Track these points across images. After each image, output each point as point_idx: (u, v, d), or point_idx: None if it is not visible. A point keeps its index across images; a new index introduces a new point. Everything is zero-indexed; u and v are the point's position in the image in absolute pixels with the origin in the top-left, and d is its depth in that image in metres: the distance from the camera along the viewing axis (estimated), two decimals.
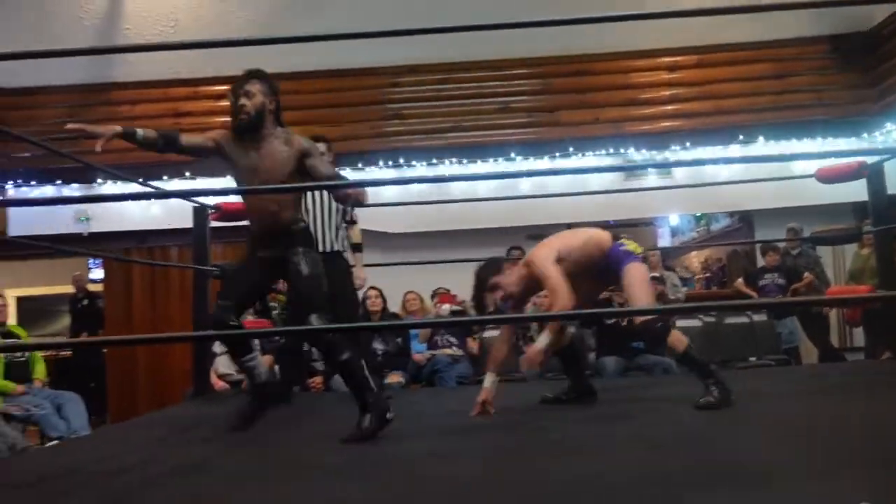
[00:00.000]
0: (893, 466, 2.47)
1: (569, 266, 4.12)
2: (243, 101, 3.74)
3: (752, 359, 7.07)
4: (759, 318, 7.40)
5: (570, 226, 8.96)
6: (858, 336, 8.41)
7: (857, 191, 5.78)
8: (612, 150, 8.50)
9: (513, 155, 8.58)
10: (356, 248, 5.51)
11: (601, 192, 7.48)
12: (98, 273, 11.22)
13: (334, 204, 5.26)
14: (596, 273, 4.28)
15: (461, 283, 7.78)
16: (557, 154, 8.53)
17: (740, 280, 8.36)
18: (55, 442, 6.14)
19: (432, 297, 7.76)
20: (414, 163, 8.55)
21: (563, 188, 7.90)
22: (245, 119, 3.71)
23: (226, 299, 3.74)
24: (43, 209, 8.62)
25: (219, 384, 6.19)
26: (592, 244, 4.23)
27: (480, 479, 2.68)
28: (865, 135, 8.47)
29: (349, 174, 8.28)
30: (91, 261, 11.81)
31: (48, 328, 12.82)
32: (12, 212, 8.79)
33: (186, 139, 3.76)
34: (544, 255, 4.16)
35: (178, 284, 8.92)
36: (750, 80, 8.70)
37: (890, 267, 5.62)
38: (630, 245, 4.18)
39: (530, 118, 8.78)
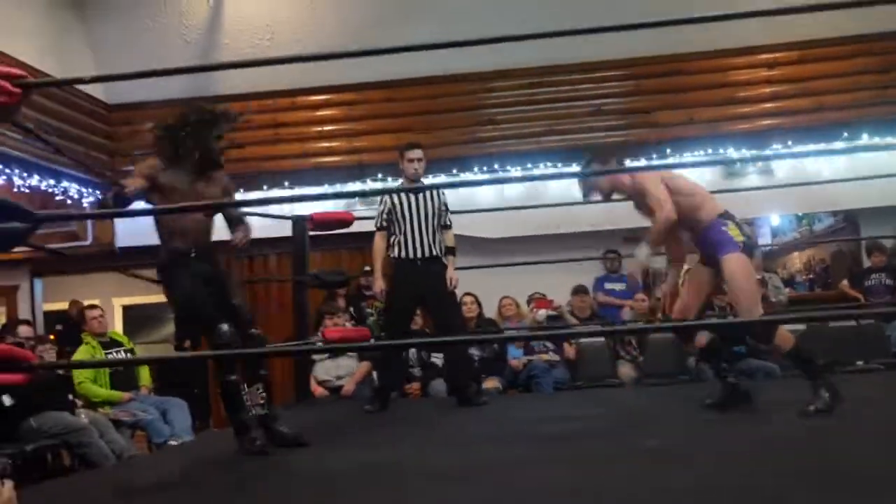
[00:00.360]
0: None
1: None
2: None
3: (860, 363, 6.87)
4: (867, 320, 7.18)
5: None
6: None
7: None
8: (709, 151, 8.38)
9: None
10: (449, 251, 5.57)
11: None
12: None
13: (432, 210, 5.34)
14: (686, 240, 4.21)
15: (557, 287, 7.83)
16: (654, 155, 8.45)
17: (845, 281, 8.13)
18: (162, 448, 6.34)
19: (528, 302, 7.77)
20: (508, 167, 8.58)
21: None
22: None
23: (220, 321, 3.87)
24: (147, 220, 8.91)
25: (318, 390, 6.32)
26: (697, 201, 4.11)
27: (571, 486, 2.69)
28: None
29: (443, 180, 8.39)
30: None
31: (153, 335, 13.22)
32: (119, 224, 9.12)
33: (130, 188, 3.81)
34: (650, 175, 4.09)
35: (277, 293, 9.09)
36: (853, 75, 8.48)
37: None
38: (732, 230, 4.01)
39: (624, 120, 8.72)
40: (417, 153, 5.40)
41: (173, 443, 6.24)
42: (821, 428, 3.45)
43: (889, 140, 8.14)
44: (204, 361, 9.50)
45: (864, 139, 8.20)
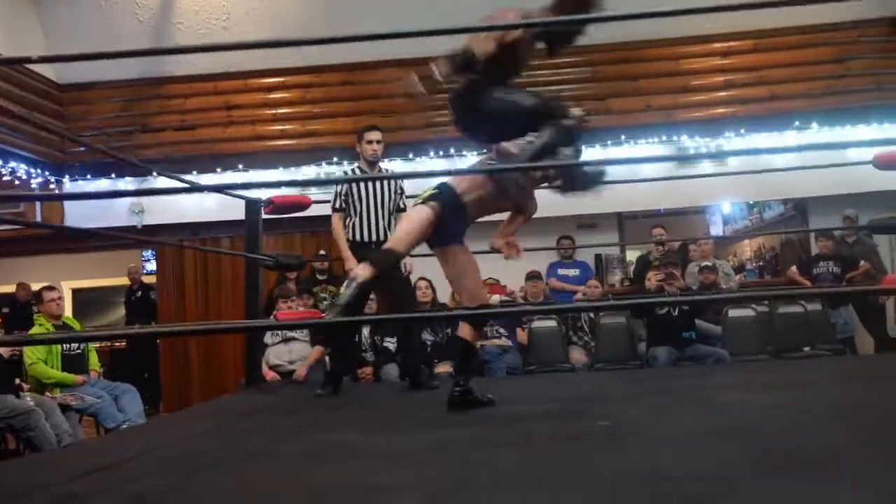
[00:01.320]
0: None
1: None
2: None
3: (806, 348, 7.06)
4: (814, 307, 7.36)
5: (620, 215, 9.11)
6: None
7: None
8: (664, 138, 8.52)
9: None
10: None
11: (653, 179, 7.48)
12: (152, 265, 11.52)
13: (388, 193, 5.41)
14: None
15: (511, 273, 7.94)
16: (609, 142, 8.57)
17: (794, 268, 8.33)
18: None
19: None
20: (465, 153, 8.65)
21: (613, 176, 7.96)
22: None
23: None
24: (98, 202, 8.89)
25: (270, 374, 6.36)
26: None
27: (525, 466, 2.77)
28: None
29: (400, 165, 8.45)
30: (144, 253, 12.11)
31: (103, 319, 13.18)
32: (68, 205, 9.07)
33: None
34: None
35: (230, 276, 9.13)
36: (806, 64, 8.67)
37: None
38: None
39: (581, 106, 8.80)
40: (376, 135, 5.46)
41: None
42: (768, 412, 3.56)
43: (839, 130, 8.35)
44: (155, 346, 9.54)
45: (815, 128, 8.39)
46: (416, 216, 3.97)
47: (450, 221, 4.03)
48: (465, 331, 4.17)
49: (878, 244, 8.43)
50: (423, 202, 3.97)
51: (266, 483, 2.75)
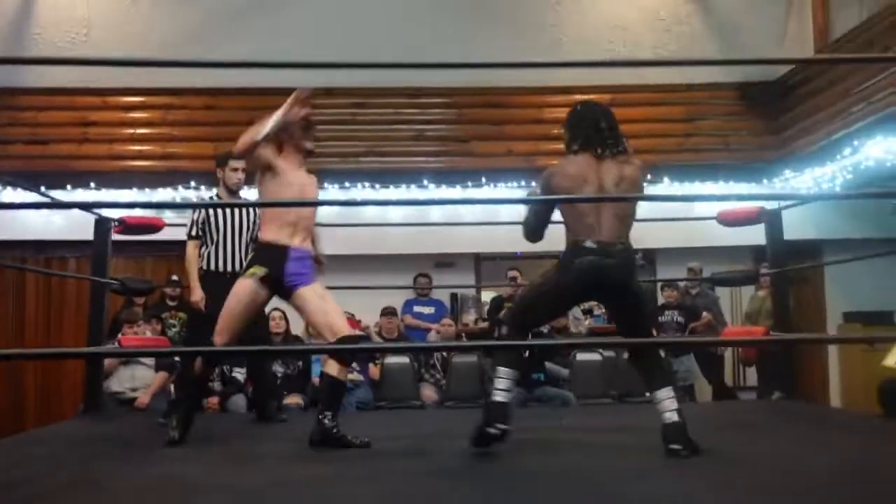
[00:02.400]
0: (773, 496, 2.68)
1: None
2: None
3: (648, 394, 7.29)
4: None
5: (477, 256, 9.25)
6: (752, 375, 8.78)
7: (755, 235, 6.07)
8: (523, 183, 8.71)
9: (425, 182, 8.74)
10: None
11: (511, 223, 7.62)
12: None
13: (246, 223, 5.32)
14: None
15: (366, 308, 7.95)
16: (469, 183, 8.71)
17: None
18: None
19: None
20: (326, 185, 8.61)
21: (473, 218, 8.10)
22: None
23: None
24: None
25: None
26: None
27: (374, 502, 2.78)
28: (765, 181, 8.89)
29: (254, 193, 8.34)
30: None
31: None
32: None
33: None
34: None
35: (75, 298, 8.81)
36: (660, 121, 9.05)
37: (785, 309, 5.93)
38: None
39: (444, 147, 8.96)
40: (241, 163, 5.34)
41: None
42: (605, 455, 3.67)
43: (688, 185, 8.74)
44: None
45: (666, 182, 8.76)
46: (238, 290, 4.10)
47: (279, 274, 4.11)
48: (331, 367, 4.07)
49: (720, 296, 8.83)
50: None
51: None
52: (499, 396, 3.66)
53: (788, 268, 6.09)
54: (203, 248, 5.29)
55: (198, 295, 5.17)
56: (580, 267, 3.68)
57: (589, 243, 3.69)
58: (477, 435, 3.64)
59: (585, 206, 3.77)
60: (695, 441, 3.53)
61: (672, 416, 3.56)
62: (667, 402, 3.59)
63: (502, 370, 3.70)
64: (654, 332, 8.18)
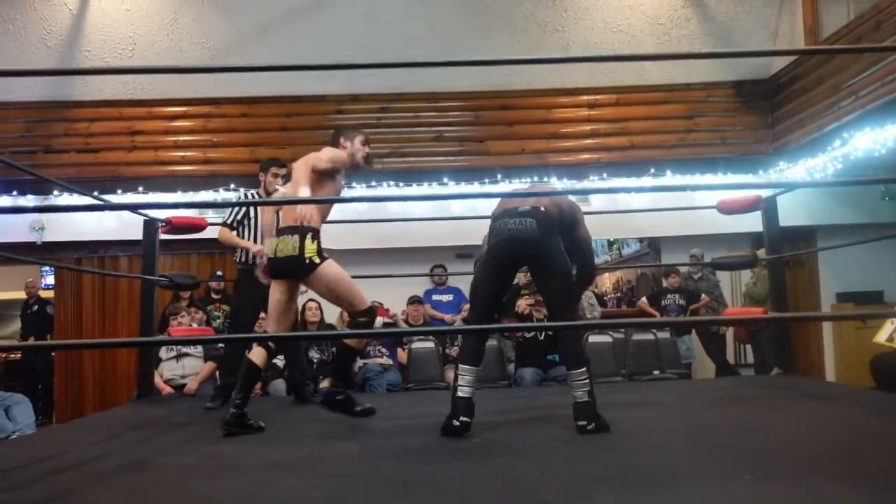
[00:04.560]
0: (775, 469, 2.66)
1: None
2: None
3: (656, 372, 7.28)
4: (663, 335, 7.61)
5: None
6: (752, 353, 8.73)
7: (753, 222, 6.03)
8: (536, 179, 8.68)
9: (445, 180, 8.73)
10: None
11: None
12: (51, 280, 11.07)
13: (278, 222, 5.33)
14: None
15: (393, 297, 7.97)
16: (487, 180, 8.69)
17: (643, 300, 8.64)
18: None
19: None
20: (354, 184, 8.64)
21: (490, 212, 8.06)
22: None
23: None
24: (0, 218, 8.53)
25: (165, 388, 6.19)
26: None
27: (400, 478, 2.78)
28: (761, 172, 8.82)
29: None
30: (44, 268, 11.64)
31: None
32: None
33: None
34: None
35: (127, 293, 8.88)
36: (662, 119, 8.99)
37: (782, 291, 5.89)
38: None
39: (462, 147, 8.95)
40: (284, 170, 5.38)
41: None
42: (619, 429, 3.66)
43: (689, 177, 8.68)
44: (50, 359, 9.15)
45: (669, 175, 8.71)
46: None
47: None
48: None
49: (720, 280, 8.79)
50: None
51: (150, 493, 2.68)
52: (461, 392, 3.73)
53: (785, 253, 6.05)
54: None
55: (256, 247, 5.15)
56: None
57: None
58: (444, 426, 3.69)
59: None
60: (604, 418, 3.64)
61: (583, 396, 3.67)
62: (578, 382, 3.69)
63: (463, 367, 3.78)
64: (657, 314, 8.20)
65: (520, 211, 3.84)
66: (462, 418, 3.65)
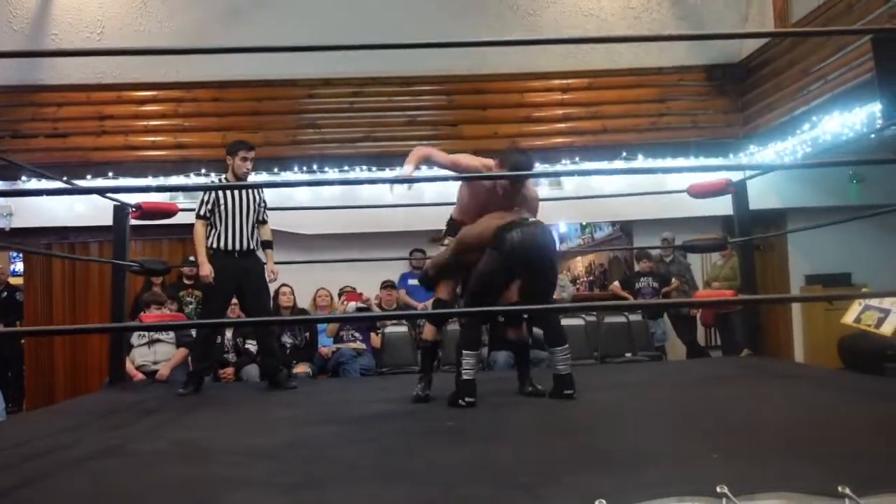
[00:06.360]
0: (744, 448, 2.70)
1: None
2: None
3: (628, 354, 7.33)
4: (635, 318, 7.67)
5: None
6: None
7: (724, 205, 6.07)
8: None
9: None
10: (267, 244, 5.54)
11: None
12: (20, 266, 10.94)
13: (253, 206, 5.30)
14: None
15: (367, 282, 7.97)
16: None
17: (616, 283, 8.69)
18: None
19: (339, 295, 7.84)
20: (326, 169, 8.61)
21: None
22: None
23: None
24: None
25: (137, 375, 6.15)
26: None
27: (375, 461, 2.79)
28: (732, 155, 8.88)
29: (265, 178, 8.32)
30: (13, 255, 11.51)
31: None
32: None
33: None
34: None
35: (98, 279, 8.81)
36: (634, 103, 9.04)
37: (752, 273, 5.94)
38: None
39: (435, 131, 8.93)
40: (252, 153, 5.33)
41: None
42: (592, 410, 3.71)
43: (661, 161, 8.72)
44: (19, 347, 9.05)
45: (640, 159, 8.75)
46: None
47: None
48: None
49: (691, 263, 8.86)
50: None
51: (122, 479, 2.66)
52: (466, 375, 4.05)
53: (754, 236, 6.11)
54: (211, 229, 5.26)
55: (206, 270, 5.16)
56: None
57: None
58: (451, 402, 4.05)
59: None
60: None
61: (566, 369, 4.14)
62: (562, 357, 4.16)
63: (466, 353, 4.09)
64: (629, 297, 8.26)
65: (531, 221, 4.19)
66: (468, 398, 3.99)
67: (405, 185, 4.27)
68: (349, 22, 8.21)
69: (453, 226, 4.60)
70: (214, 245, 5.23)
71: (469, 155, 4.56)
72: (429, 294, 8.22)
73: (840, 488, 2.03)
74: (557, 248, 4.46)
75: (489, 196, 4.34)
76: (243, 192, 5.29)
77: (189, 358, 5.92)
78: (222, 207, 5.23)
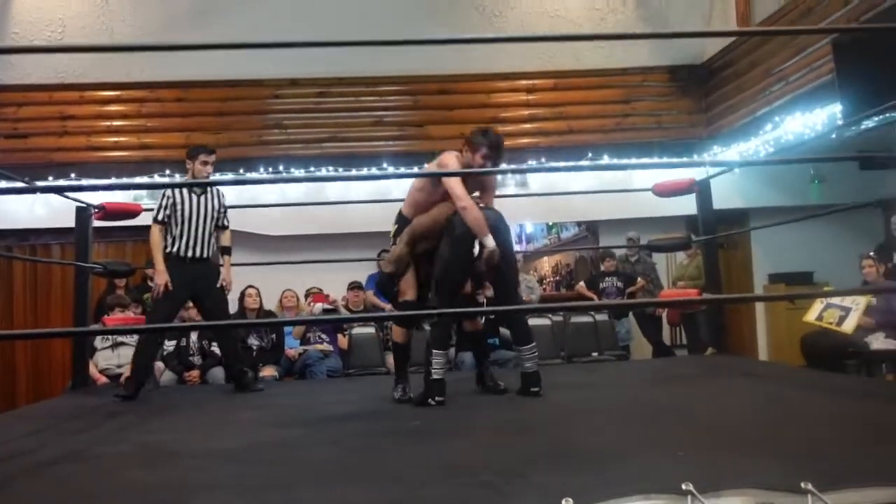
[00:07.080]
0: (708, 445, 2.73)
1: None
2: None
3: (595, 354, 7.37)
4: (601, 317, 7.71)
5: None
6: None
7: (688, 205, 6.12)
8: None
9: (385, 165, 8.70)
10: (226, 250, 5.44)
11: None
12: None
13: (212, 211, 5.21)
14: None
15: (333, 283, 7.94)
16: (426, 164, 8.68)
17: (581, 283, 8.72)
18: None
19: (306, 296, 7.80)
20: (292, 169, 8.57)
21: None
22: None
23: None
24: None
25: (101, 378, 6.07)
26: None
27: (341, 462, 2.78)
28: (696, 156, 8.96)
29: (230, 178, 8.24)
30: None
31: None
32: None
33: None
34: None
35: (60, 282, 8.70)
36: (599, 103, 9.10)
37: (716, 272, 5.99)
38: None
39: (401, 131, 8.94)
40: (213, 157, 5.20)
41: None
42: (557, 409, 3.73)
43: (626, 161, 8.78)
44: None
45: (606, 159, 8.80)
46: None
47: None
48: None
49: (657, 262, 8.92)
50: None
51: (86, 484, 2.63)
52: (436, 374, 4.06)
53: (718, 234, 6.17)
54: (168, 234, 5.16)
55: (162, 279, 5.02)
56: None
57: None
58: (419, 402, 4.04)
59: None
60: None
61: (532, 367, 4.18)
62: (530, 355, 4.20)
63: (436, 352, 4.10)
64: (595, 297, 8.30)
65: (481, 206, 4.27)
66: (437, 398, 4.00)
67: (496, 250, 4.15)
68: (315, 24, 8.19)
69: (403, 220, 4.52)
70: (170, 250, 5.12)
71: (447, 153, 4.62)
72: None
73: (803, 484, 2.05)
74: (511, 234, 4.52)
75: (440, 188, 4.34)
76: (202, 197, 5.19)
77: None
78: (179, 213, 5.10)
